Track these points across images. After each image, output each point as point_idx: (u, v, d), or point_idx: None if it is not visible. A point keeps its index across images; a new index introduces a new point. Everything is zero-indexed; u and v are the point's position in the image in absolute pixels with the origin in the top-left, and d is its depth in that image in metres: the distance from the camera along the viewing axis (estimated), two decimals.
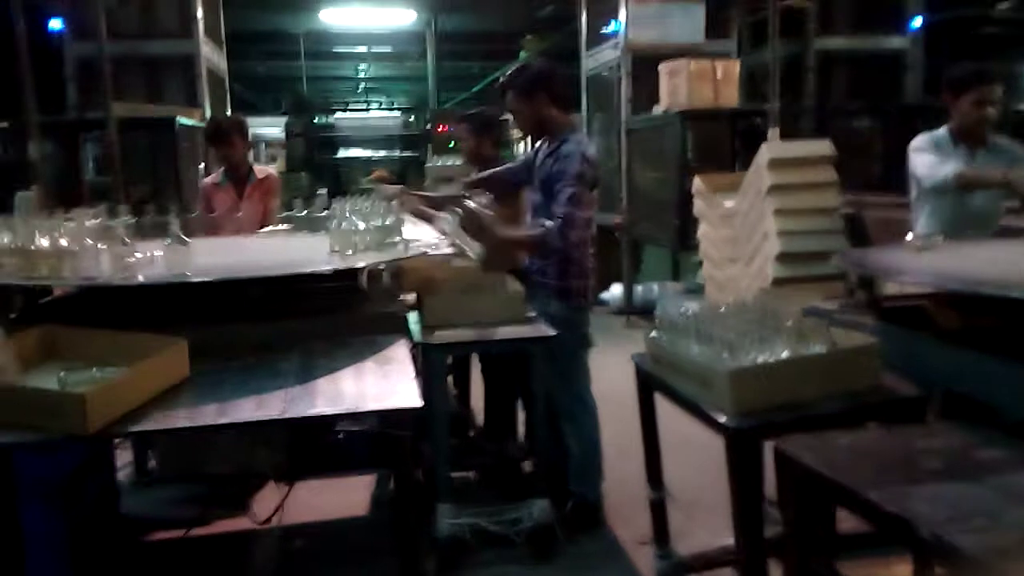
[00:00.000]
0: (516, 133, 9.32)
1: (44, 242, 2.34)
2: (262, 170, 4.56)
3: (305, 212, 3.37)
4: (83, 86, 6.62)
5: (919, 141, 3.51)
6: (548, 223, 3.07)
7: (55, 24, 6.78)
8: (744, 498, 1.94)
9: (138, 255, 2.35)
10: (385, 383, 2.19)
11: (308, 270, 2.55)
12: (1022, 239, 3.27)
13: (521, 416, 3.85)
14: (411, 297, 3.30)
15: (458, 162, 7.83)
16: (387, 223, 2.80)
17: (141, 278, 2.32)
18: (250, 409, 1.98)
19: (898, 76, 8.12)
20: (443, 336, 2.94)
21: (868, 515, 1.53)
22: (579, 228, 3.09)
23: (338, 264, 2.61)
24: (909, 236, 2.81)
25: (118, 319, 2.33)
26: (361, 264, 2.80)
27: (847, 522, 2.37)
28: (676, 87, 6.27)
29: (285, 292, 2.69)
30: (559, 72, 3.34)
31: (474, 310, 3.04)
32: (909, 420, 1.93)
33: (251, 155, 5.17)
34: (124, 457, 3.80)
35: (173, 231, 2.37)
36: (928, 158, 3.42)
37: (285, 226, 3.57)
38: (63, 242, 2.33)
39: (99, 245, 2.33)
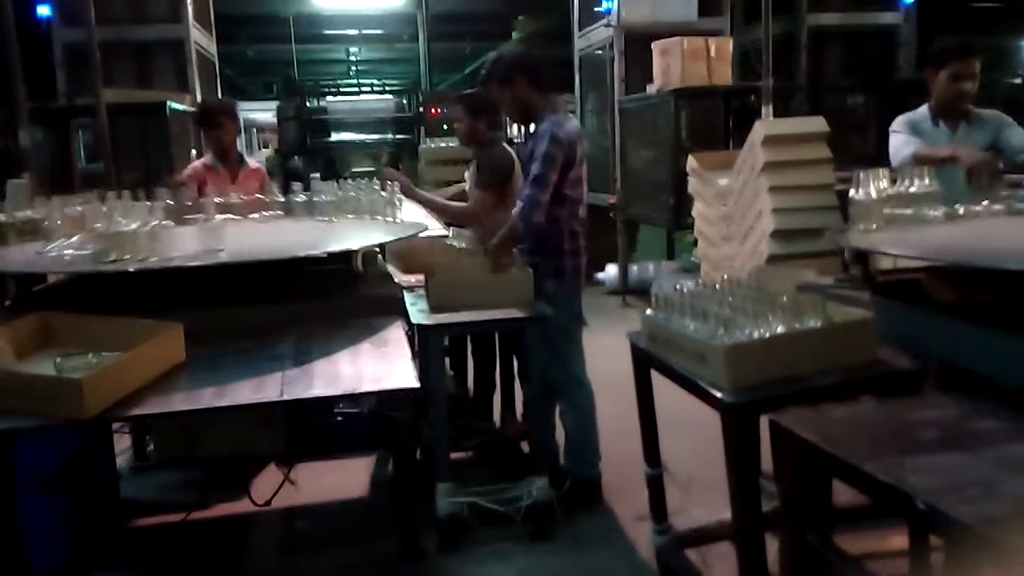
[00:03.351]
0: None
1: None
2: (252, 162, 4.60)
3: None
4: (72, 72, 6.57)
5: (896, 123, 3.49)
6: (515, 209, 3.14)
7: (43, 10, 6.71)
8: (741, 472, 1.95)
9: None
10: (382, 364, 2.19)
11: (301, 253, 2.54)
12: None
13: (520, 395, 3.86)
14: (413, 279, 3.31)
15: (452, 144, 7.78)
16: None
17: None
18: (248, 391, 1.98)
19: (891, 52, 8.10)
20: (438, 317, 2.94)
21: (864, 487, 1.54)
22: (544, 208, 3.08)
23: (333, 248, 2.60)
24: None
25: (112, 305, 2.32)
26: (355, 247, 2.80)
27: (843, 495, 2.39)
28: (669, 66, 6.23)
29: (280, 276, 2.68)
30: (534, 55, 3.37)
31: (482, 293, 3.04)
32: (905, 393, 1.93)
33: (241, 142, 5.16)
34: (123, 443, 3.81)
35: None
36: (897, 139, 3.38)
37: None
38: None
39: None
